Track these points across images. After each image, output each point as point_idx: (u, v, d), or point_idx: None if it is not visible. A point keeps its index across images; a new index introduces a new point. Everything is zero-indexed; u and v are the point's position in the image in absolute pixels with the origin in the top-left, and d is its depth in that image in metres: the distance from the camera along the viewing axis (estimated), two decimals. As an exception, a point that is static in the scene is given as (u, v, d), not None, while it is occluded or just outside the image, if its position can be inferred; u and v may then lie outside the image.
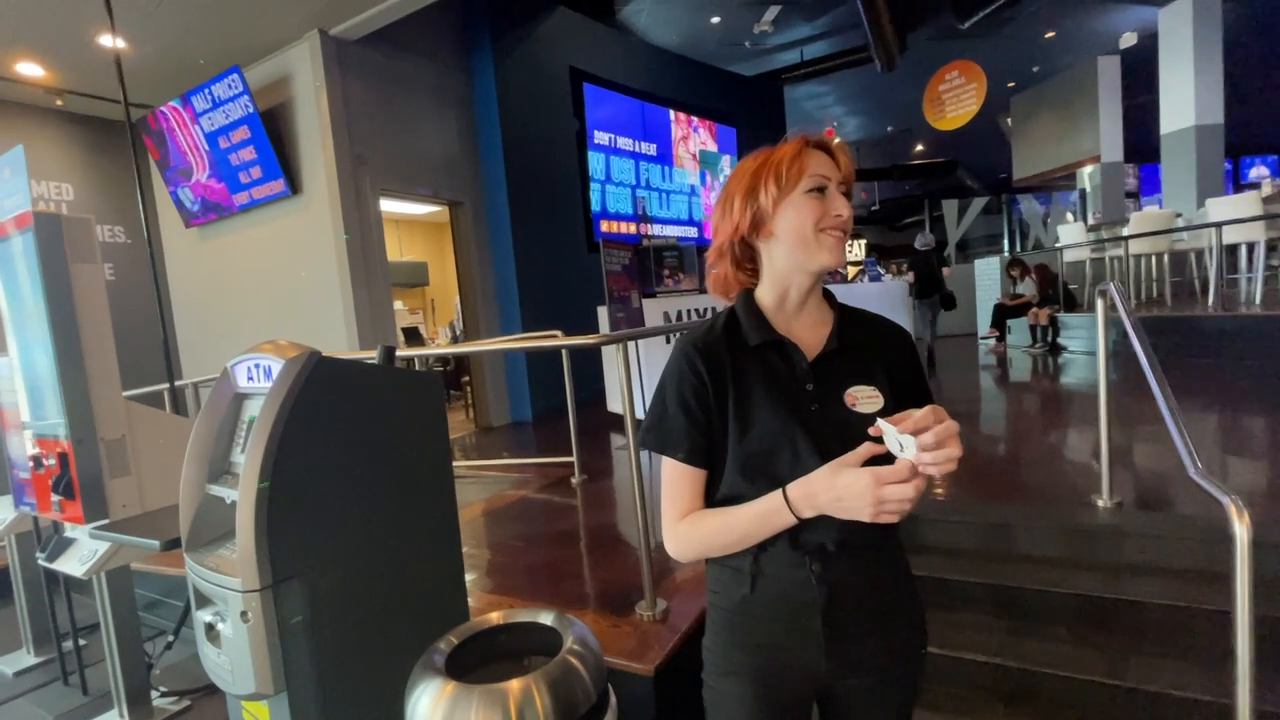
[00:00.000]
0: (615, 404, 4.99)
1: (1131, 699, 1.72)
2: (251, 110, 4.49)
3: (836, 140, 0.87)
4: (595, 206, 6.73)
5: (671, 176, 7.87)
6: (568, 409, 3.62)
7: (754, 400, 0.84)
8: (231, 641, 1.26)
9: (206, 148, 4.90)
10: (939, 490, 2.70)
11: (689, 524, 0.86)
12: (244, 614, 1.22)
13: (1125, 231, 6.56)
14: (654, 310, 4.76)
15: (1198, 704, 1.63)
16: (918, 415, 0.69)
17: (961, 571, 2.17)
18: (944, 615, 2.09)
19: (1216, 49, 7.99)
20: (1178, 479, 2.41)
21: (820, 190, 0.84)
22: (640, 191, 7.39)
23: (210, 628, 1.32)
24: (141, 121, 5.15)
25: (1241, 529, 1.18)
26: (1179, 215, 6.76)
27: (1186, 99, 8.13)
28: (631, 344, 3.46)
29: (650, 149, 7.52)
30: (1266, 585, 1.77)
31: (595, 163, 6.75)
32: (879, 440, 0.73)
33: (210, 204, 5.20)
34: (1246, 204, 5.47)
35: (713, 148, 8.50)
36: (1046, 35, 9.17)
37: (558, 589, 2.29)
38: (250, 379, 1.43)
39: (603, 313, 4.72)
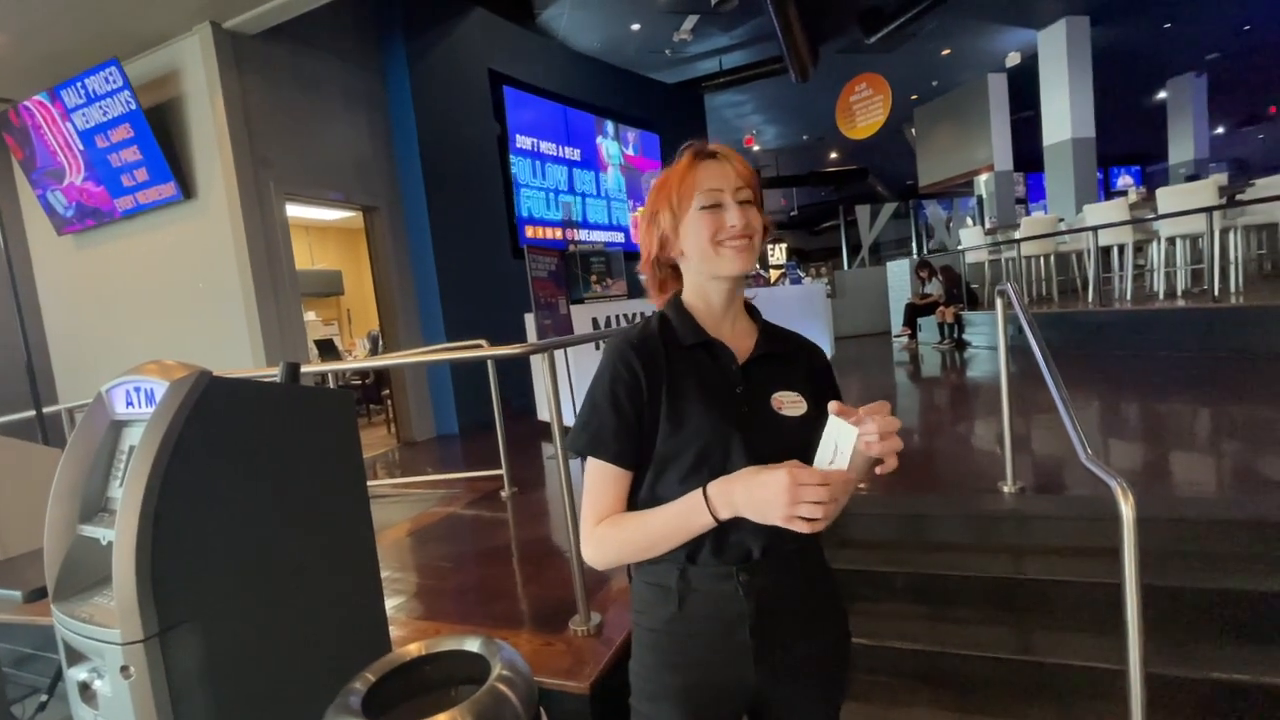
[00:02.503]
0: (545, 413, 4.90)
1: (1039, 672, 1.84)
2: (134, 107, 4.10)
3: (717, 145, 0.88)
4: (519, 212, 6.61)
5: (597, 181, 7.86)
6: (495, 420, 3.52)
7: (688, 400, 0.84)
8: (111, 701, 1.12)
9: (81, 147, 4.44)
10: (861, 486, 2.81)
11: (608, 525, 0.83)
12: (125, 669, 1.09)
13: (1017, 235, 7.11)
14: (583, 316, 4.70)
15: (1098, 671, 1.75)
16: (873, 405, 0.72)
17: (883, 563, 2.26)
18: (868, 606, 2.17)
19: (1087, 69, 8.85)
20: (1072, 464, 2.61)
21: (715, 205, 0.84)
22: (565, 196, 7.33)
23: (85, 687, 1.18)
24: (0, 117, 4.60)
25: (1127, 508, 1.28)
26: (1061, 220, 7.40)
27: (1063, 114, 8.95)
28: (560, 351, 3.41)
29: (574, 154, 7.47)
30: (1154, 557, 1.95)
31: (518, 167, 6.63)
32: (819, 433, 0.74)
33: (87, 209, 4.71)
34: (1116, 210, 6.06)
35: (636, 153, 8.56)
36: (943, 52, 9.84)
37: (489, 610, 2.20)
38: (130, 404, 1.28)
39: (529, 320, 4.63)
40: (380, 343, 6.06)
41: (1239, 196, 5.68)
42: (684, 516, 0.79)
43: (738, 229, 0.83)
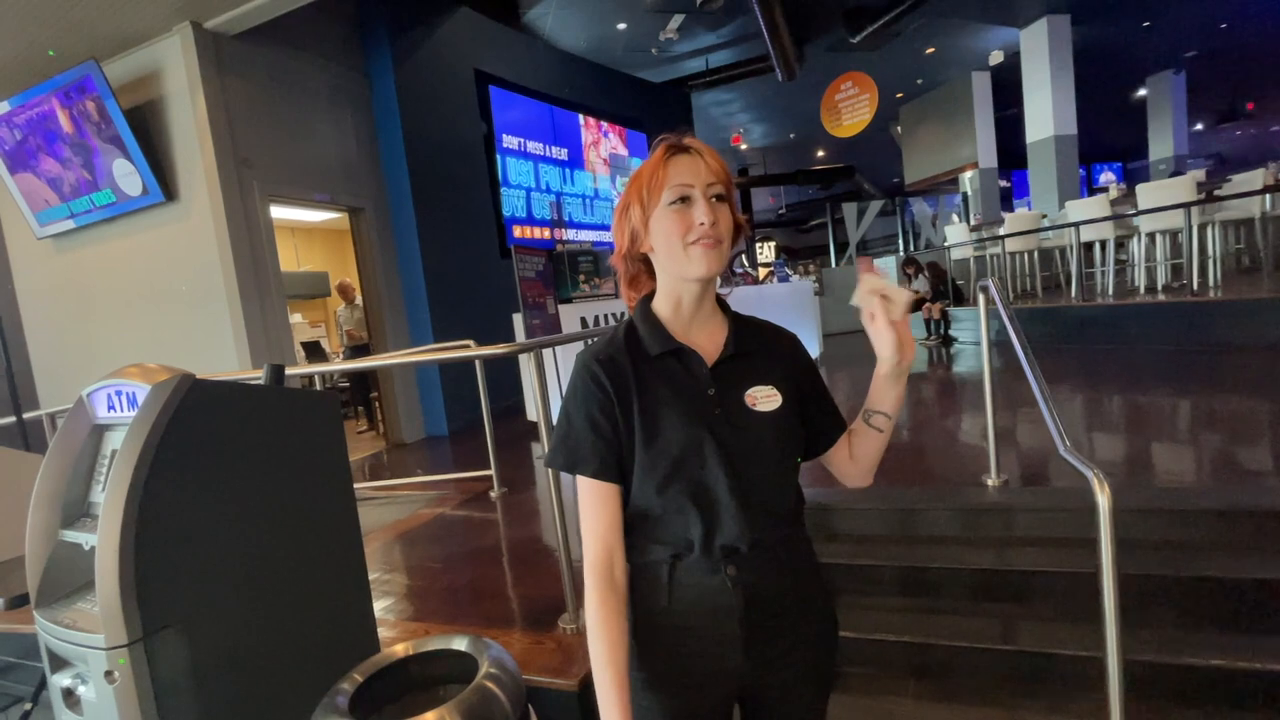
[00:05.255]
0: (534, 413, 4.90)
1: (1023, 661, 1.86)
2: (114, 108, 4.05)
3: (691, 139, 0.85)
4: (507, 211, 6.59)
5: (584, 181, 7.85)
6: (484, 421, 3.51)
7: (659, 409, 0.84)
8: (96, 707, 1.12)
9: (60, 148, 4.37)
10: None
11: (603, 609, 0.81)
12: (109, 674, 1.08)
13: (1001, 231, 7.19)
14: (570, 315, 4.71)
15: (1081, 660, 1.78)
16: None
17: (871, 556, 2.28)
18: (856, 599, 2.19)
19: (1068, 67, 8.96)
20: (1054, 456, 2.65)
21: (684, 200, 0.83)
22: (552, 196, 7.32)
23: (69, 693, 1.17)
24: (-23, 119, 4.53)
25: (1104, 499, 1.30)
26: (1044, 216, 7.50)
27: (1045, 111, 9.06)
28: (548, 351, 3.41)
29: (561, 153, 7.46)
30: (1134, 547, 1.98)
31: (505, 167, 6.62)
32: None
33: (67, 211, 4.64)
34: (1098, 206, 6.14)
35: (623, 152, 8.56)
36: (927, 51, 9.92)
37: (479, 609, 2.20)
38: (111, 408, 1.28)
39: (518, 320, 4.63)
40: (346, 343, 6.07)
41: (1216, 192, 5.77)
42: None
43: (706, 227, 0.81)
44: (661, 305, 0.90)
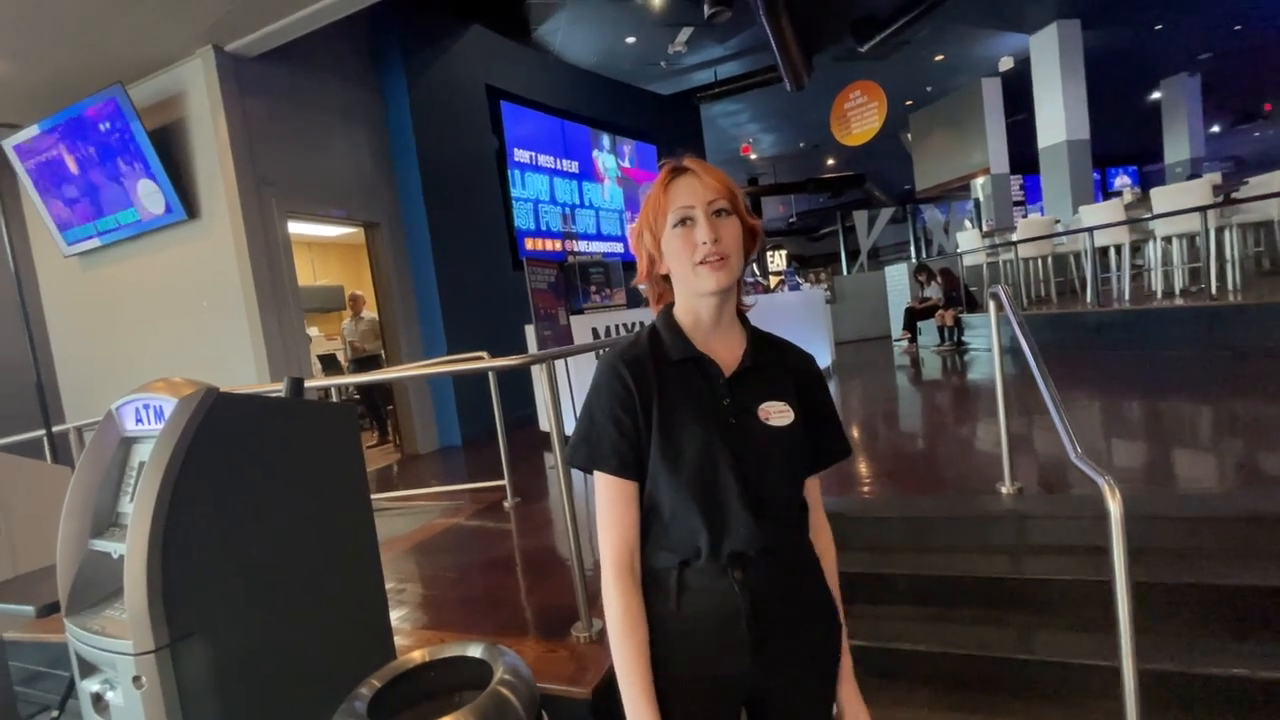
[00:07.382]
0: (547, 423, 4.92)
1: (1038, 670, 1.84)
2: (138, 129, 4.18)
3: (690, 160, 0.88)
4: (519, 224, 6.67)
5: (594, 193, 7.93)
6: (498, 432, 3.55)
7: (677, 414, 0.86)
8: (124, 711, 1.15)
9: (87, 169, 4.50)
10: (865, 490, 2.82)
11: (628, 605, 0.85)
12: (137, 679, 1.11)
13: (1014, 237, 7.14)
14: (582, 327, 4.75)
15: (1098, 669, 1.76)
16: None
17: (887, 565, 2.27)
18: (871, 609, 2.18)
19: (1080, 71, 8.92)
20: (1068, 463, 2.63)
21: (687, 221, 0.85)
22: (563, 208, 7.40)
23: (98, 698, 1.21)
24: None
25: (1115, 506, 1.30)
26: (1058, 221, 7.44)
27: (1057, 116, 9.02)
28: (560, 362, 3.43)
29: (572, 166, 7.55)
30: (1150, 554, 1.96)
31: (517, 180, 6.71)
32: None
33: (93, 229, 4.77)
34: (1112, 210, 6.09)
35: (633, 164, 8.64)
36: (936, 58, 9.93)
37: (493, 618, 2.22)
38: (139, 421, 1.32)
39: (530, 331, 4.67)
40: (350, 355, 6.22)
41: (1234, 195, 5.70)
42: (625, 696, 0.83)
43: (708, 245, 0.83)
44: (682, 315, 0.92)
